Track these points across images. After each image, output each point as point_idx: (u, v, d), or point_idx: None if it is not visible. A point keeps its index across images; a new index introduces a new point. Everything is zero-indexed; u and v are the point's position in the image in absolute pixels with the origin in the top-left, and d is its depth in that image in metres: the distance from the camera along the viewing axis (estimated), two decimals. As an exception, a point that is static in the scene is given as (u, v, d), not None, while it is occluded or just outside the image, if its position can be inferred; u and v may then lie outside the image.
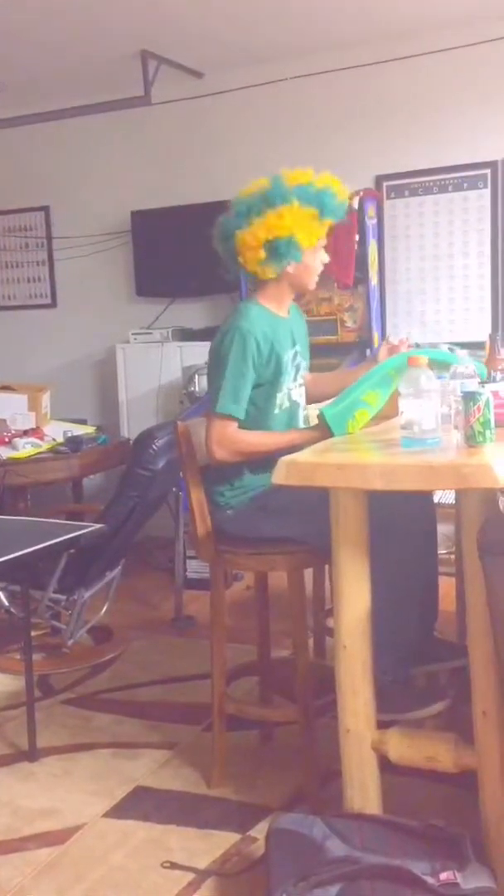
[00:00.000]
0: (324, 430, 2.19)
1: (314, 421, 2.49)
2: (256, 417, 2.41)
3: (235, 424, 2.36)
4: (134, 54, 4.54)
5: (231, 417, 2.35)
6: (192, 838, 2.27)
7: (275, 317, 2.46)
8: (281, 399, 2.45)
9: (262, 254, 2.36)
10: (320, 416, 2.22)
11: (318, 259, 2.46)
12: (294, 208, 2.33)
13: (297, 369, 2.52)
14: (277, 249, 2.35)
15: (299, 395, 2.54)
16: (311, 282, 2.50)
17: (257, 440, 2.38)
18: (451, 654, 2.36)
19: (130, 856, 2.22)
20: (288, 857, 1.90)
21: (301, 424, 2.54)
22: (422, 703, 2.20)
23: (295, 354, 2.50)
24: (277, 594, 2.72)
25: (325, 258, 2.49)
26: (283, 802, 2.39)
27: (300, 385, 2.54)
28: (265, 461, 2.31)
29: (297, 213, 2.33)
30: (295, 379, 2.51)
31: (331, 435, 2.16)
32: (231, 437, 2.35)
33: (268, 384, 2.41)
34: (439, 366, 2.16)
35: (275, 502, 2.34)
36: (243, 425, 2.38)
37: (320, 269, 2.49)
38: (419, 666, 2.31)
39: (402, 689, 2.22)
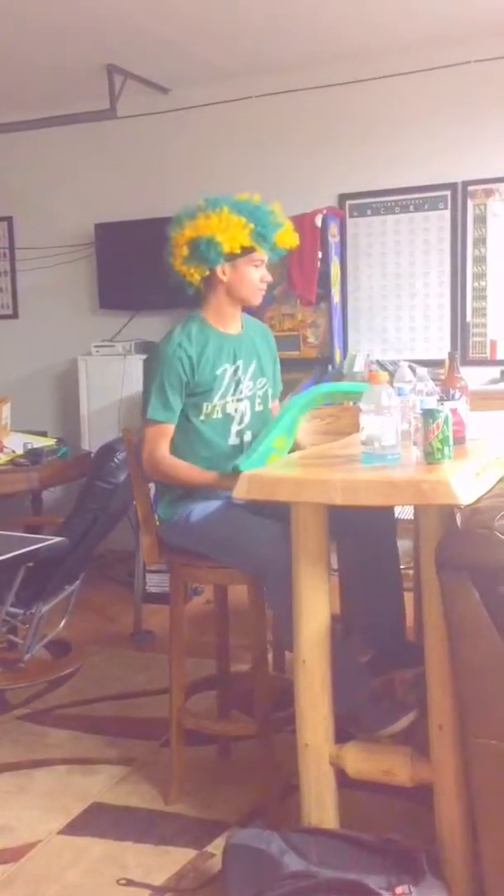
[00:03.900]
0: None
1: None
2: (183, 424, 2.47)
3: (168, 431, 2.44)
4: (100, 68, 4.55)
5: (161, 422, 2.43)
6: (148, 855, 2.26)
7: (214, 331, 2.50)
8: (209, 409, 2.47)
9: (185, 251, 2.44)
10: (235, 470, 2.23)
11: (255, 273, 2.49)
12: (222, 213, 2.41)
13: (237, 384, 2.52)
14: (198, 248, 2.41)
15: (236, 409, 2.52)
16: (251, 294, 2.52)
17: (178, 467, 2.44)
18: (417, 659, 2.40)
19: (86, 873, 2.20)
20: (245, 873, 1.90)
21: (231, 438, 2.53)
22: (390, 720, 2.18)
23: (236, 370, 2.51)
24: (235, 608, 2.72)
25: (268, 277, 2.53)
26: (240, 818, 2.39)
27: (239, 400, 2.53)
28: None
29: (224, 218, 2.41)
30: (234, 393, 2.51)
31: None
32: (158, 456, 2.43)
33: (199, 395, 2.46)
34: (350, 397, 2.39)
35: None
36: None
37: (261, 286, 2.52)
38: (391, 669, 2.35)
39: (368, 709, 2.20)
